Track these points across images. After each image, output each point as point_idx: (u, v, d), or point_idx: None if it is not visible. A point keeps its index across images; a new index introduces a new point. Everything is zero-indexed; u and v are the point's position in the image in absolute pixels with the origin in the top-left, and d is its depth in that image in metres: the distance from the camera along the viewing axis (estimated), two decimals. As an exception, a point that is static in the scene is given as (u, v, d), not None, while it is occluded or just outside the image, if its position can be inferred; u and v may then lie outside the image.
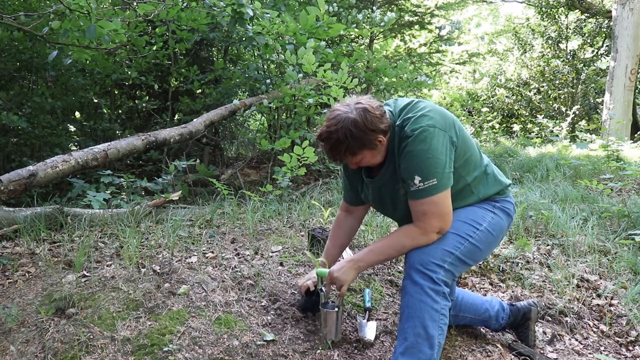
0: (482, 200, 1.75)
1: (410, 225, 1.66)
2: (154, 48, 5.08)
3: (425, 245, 1.63)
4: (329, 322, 1.85)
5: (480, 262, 2.80)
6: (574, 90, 11.21)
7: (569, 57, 11.42)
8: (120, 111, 6.52)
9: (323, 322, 1.86)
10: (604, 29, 10.97)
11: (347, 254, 2.63)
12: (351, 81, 4.12)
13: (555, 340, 2.19)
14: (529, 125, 10.77)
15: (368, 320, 2.02)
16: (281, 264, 2.45)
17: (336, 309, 1.84)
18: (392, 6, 8.71)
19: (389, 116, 1.68)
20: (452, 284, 1.95)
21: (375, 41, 8.77)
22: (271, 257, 2.52)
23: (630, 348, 2.17)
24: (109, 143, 3.32)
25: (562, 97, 11.33)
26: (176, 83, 5.89)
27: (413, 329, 1.57)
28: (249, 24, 4.09)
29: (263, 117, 6.45)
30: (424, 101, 1.70)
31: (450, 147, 1.60)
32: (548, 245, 3.07)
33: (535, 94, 11.85)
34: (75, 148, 5.43)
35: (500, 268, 2.77)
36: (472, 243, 1.66)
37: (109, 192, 3.33)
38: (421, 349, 1.56)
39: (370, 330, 1.97)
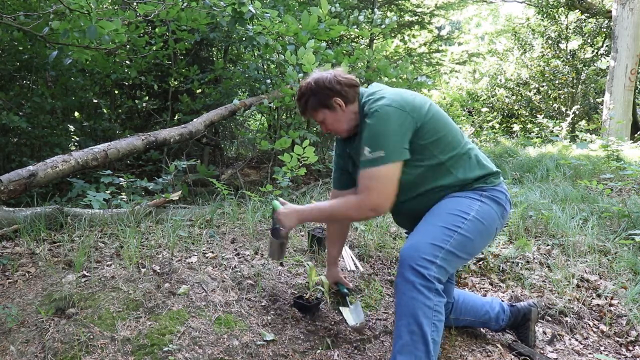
0: (465, 186, 1.74)
1: (352, 196, 1.75)
2: (154, 48, 5.08)
3: (357, 218, 1.77)
4: (272, 246, 2.05)
5: (480, 261, 2.81)
6: (574, 90, 11.21)
7: (569, 57, 11.42)
8: (120, 111, 6.52)
9: (269, 245, 2.08)
10: (604, 29, 10.97)
11: (347, 252, 2.63)
12: (351, 81, 4.11)
13: (555, 340, 2.19)
14: (529, 125, 10.77)
15: (351, 304, 2.09)
16: (281, 264, 2.45)
17: (279, 240, 2.01)
18: (392, 6, 8.71)
19: (359, 92, 1.83)
20: (450, 286, 1.96)
21: (375, 41, 8.77)
22: (271, 257, 2.52)
23: (630, 348, 2.17)
24: (109, 143, 3.32)
25: (562, 97, 11.33)
26: (176, 83, 5.89)
27: (407, 327, 1.57)
28: (249, 24, 4.08)
29: (263, 117, 6.45)
30: (393, 88, 1.82)
31: (408, 125, 1.67)
32: (548, 245, 3.07)
33: (535, 94, 11.85)
34: (75, 148, 5.43)
35: (500, 268, 2.77)
36: (462, 234, 1.65)
37: (109, 192, 3.33)
38: (416, 346, 1.56)
39: (351, 316, 2.02)
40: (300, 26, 4.40)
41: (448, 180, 1.73)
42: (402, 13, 8.92)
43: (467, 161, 1.76)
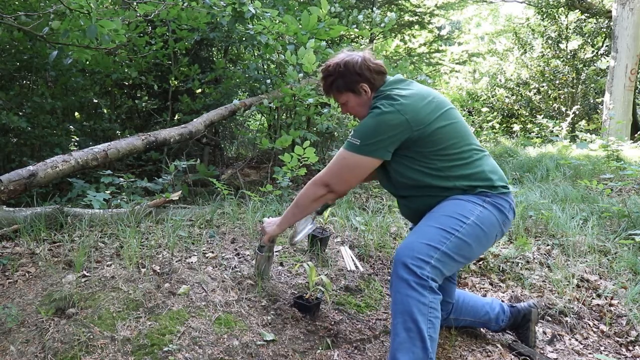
0: (465, 191, 1.71)
1: None
2: (154, 48, 5.08)
3: (313, 194, 1.80)
4: (259, 260, 2.19)
5: (480, 261, 2.80)
6: (574, 90, 11.21)
7: (569, 57, 11.42)
8: (120, 111, 6.52)
9: (256, 261, 2.23)
10: (604, 29, 10.97)
11: (347, 252, 2.63)
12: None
13: (555, 340, 2.19)
14: (529, 125, 10.77)
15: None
16: (281, 264, 2.45)
17: (264, 254, 2.16)
18: (392, 6, 8.71)
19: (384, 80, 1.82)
20: (451, 286, 1.96)
21: (375, 41, 8.76)
22: (271, 257, 2.51)
23: (630, 348, 2.17)
24: (109, 143, 3.32)
25: (562, 97, 11.33)
26: (176, 83, 5.89)
27: (403, 324, 1.56)
28: (249, 24, 4.08)
29: (263, 117, 6.45)
30: (415, 85, 1.78)
31: (401, 129, 1.66)
32: (548, 245, 3.07)
33: (535, 94, 11.84)
34: (75, 148, 5.43)
35: (500, 268, 2.77)
36: (459, 237, 1.63)
37: (109, 192, 3.33)
38: (414, 342, 1.55)
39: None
40: (300, 26, 4.40)
41: (444, 183, 1.72)
42: (402, 13, 8.92)
43: (470, 172, 1.71)
